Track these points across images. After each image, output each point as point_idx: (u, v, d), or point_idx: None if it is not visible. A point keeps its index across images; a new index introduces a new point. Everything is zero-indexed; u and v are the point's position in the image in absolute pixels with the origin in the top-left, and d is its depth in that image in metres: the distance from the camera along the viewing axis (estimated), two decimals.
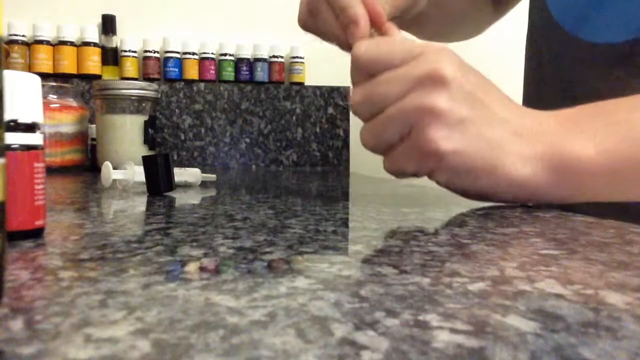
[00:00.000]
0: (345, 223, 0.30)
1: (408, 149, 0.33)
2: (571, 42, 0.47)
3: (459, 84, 0.32)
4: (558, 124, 0.33)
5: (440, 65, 0.32)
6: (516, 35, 0.64)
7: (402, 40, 0.35)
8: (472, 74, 0.33)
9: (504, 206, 0.38)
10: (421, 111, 0.31)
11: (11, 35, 1.01)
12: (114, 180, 0.49)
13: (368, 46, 0.34)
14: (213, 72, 1.11)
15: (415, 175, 0.35)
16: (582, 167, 0.31)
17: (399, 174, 0.35)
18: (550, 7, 0.50)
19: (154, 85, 0.84)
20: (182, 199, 0.43)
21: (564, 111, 0.34)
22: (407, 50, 0.33)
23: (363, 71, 0.34)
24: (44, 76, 1.00)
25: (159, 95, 0.91)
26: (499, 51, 1.13)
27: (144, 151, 0.82)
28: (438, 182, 0.35)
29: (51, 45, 1.03)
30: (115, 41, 1.07)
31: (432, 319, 0.13)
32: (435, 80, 0.31)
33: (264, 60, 1.13)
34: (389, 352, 0.11)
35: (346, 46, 0.38)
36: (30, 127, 0.24)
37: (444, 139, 0.31)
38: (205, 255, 0.21)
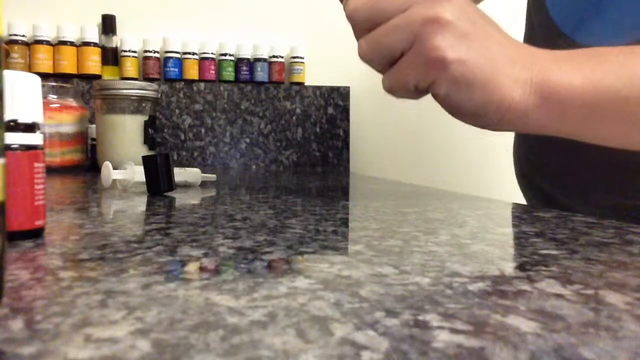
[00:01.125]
0: (345, 223, 0.30)
1: (411, 59, 0.33)
2: (568, 46, 0.47)
3: (462, 4, 0.33)
4: (550, 57, 0.34)
5: (445, 12, 0.32)
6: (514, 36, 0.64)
7: None
8: (472, 2, 0.34)
9: (504, 206, 0.38)
10: (427, 21, 0.32)
11: (11, 35, 1.01)
12: (114, 180, 0.49)
13: None
14: (213, 72, 1.11)
15: (415, 89, 0.35)
16: (567, 94, 0.33)
17: (399, 89, 0.35)
18: (549, 7, 0.50)
19: (154, 85, 0.84)
20: (182, 199, 0.43)
21: (559, 50, 0.35)
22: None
23: None
24: (44, 76, 1.00)
25: (159, 95, 0.91)
26: None
27: (144, 151, 0.82)
28: (435, 95, 0.35)
29: (51, 45, 1.03)
30: (115, 41, 1.07)
31: (432, 319, 0.13)
32: (439, 25, 0.32)
33: (264, 60, 1.13)
34: (389, 352, 0.11)
35: None
36: (30, 127, 0.24)
37: (450, 48, 0.32)
38: (205, 255, 0.21)
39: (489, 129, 0.36)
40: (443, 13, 0.32)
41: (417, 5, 0.32)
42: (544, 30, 0.51)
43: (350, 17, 0.35)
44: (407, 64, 0.33)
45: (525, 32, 0.57)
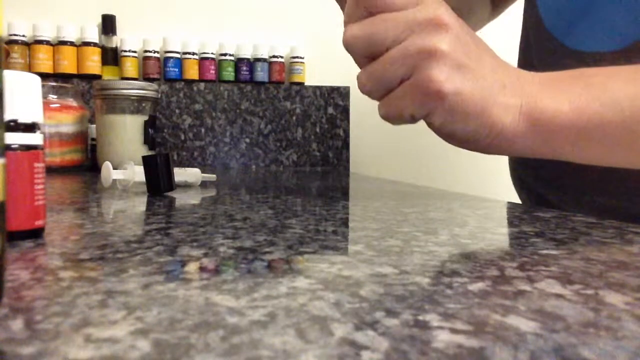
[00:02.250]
0: (345, 223, 0.30)
1: (409, 90, 0.33)
2: (559, 50, 0.47)
3: (457, 32, 0.33)
4: (539, 82, 0.35)
5: (441, 12, 0.33)
6: (510, 41, 0.64)
7: None
8: (465, 27, 0.35)
9: (504, 206, 0.38)
10: (424, 53, 0.32)
11: (11, 35, 1.01)
12: (114, 180, 0.49)
13: None
14: (213, 72, 1.11)
15: (412, 118, 0.35)
16: (555, 121, 0.33)
17: (396, 117, 0.35)
18: (541, 12, 0.50)
19: (154, 85, 0.84)
20: (182, 199, 0.43)
21: (547, 73, 0.36)
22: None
23: (361, 7, 0.35)
24: (44, 76, 1.00)
25: (159, 95, 0.91)
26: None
27: (144, 151, 0.82)
28: (431, 124, 0.36)
29: (51, 45, 1.03)
30: (115, 41, 1.07)
31: (432, 319, 0.13)
32: (437, 25, 0.32)
33: (264, 60, 1.13)
34: (389, 352, 0.11)
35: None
36: (30, 127, 0.24)
37: (447, 80, 0.32)
38: (205, 255, 0.21)
39: (477, 152, 0.37)
40: (439, 44, 0.32)
41: (414, 36, 0.33)
42: (538, 36, 0.51)
43: (348, 47, 0.35)
44: (404, 95, 0.34)
45: (520, 39, 0.57)
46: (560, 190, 0.51)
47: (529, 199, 0.57)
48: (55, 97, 0.84)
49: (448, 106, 0.33)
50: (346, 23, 0.35)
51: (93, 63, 1.04)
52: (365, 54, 0.34)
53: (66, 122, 0.84)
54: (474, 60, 0.33)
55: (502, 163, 0.67)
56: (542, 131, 0.34)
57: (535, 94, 0.34)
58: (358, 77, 0.35)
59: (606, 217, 0.33)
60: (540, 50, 0.51)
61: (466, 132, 0.35)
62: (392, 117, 0.35)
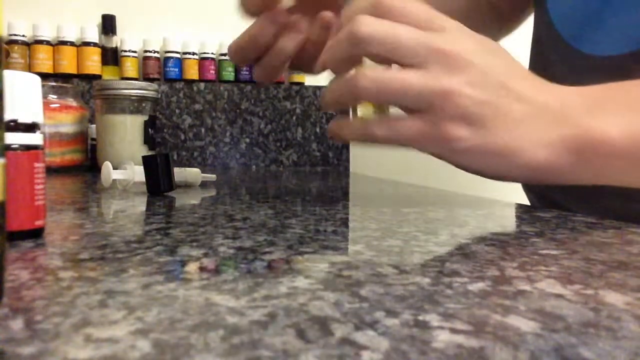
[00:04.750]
0: (345, 223, 0.30)
1: (423, 129, 0.32)
2: (571, 54, 0.47)
3: (481, 67, 0.31)
4: (581, 103, 0.32)
5: (466, 46, 0.31)
6: (521, 46, 0.64)
7: (421, 4, 0.34)
8: (491, 53, 0.32)
9: (504, 206, 0.38)
10: (444, 94, 0.30)
11: (11, 35, 1.01)
12: (114, 180, 0.49)
13: None
14: (213, 72, 1.11)
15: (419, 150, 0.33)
16: (605, 149, 0.31)
17: (390, 142, 0.33)
18: (552, 17, 0.49)
19: (154, 85, 0.84)
20: (182, 199, 0.43)
21: (586, 89, 0.33)
22: (429, 16, 0.32)
23: (381, 7, 0.32)
24: (44, 76, 1.00)
25: (159, 95, 0.91)
26: None
27: (144, 151, 0.82)
28: (447, 161, 0.34)
29: (51, 45, 1.03)
30: (115, 41, 1.07)
31: (432, 319, 0.13)
32: (460, 62, 0.31)
33: None
34: (389, 352, 0.11)
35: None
36: (30, 127, 0.24)
37: (467, 139, 0.31)
38: (205, 255, 0.21)
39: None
40: (461, 86, 0.30)
41: (436, 69, 0.31)
42: (550, 41, 0.51)
43: (361, 40, 0.32)
44: (418, 130, 0.32)
45: (532, 44, 0.57)
46: (570, 192, 0.50)
47: (539, 202, 0.57)
48: (55, 97, 0.84)
49: (465, 149, 0.31)
50: (353, 13, 0.33)
51: (93, 63, 1.04)
52: (372, 53, 0.32)
53: (66, 122, 0.84)
54: (501, 95, 0.31)
55: None
56: (593, 161, 0.31)
57: (579, 120, 0.31)
58: (361, 75, 0.32)
59: (615, 218, 0.33)
60: (553, 55, 0.50)
61: (496, 170, 0.33)
62: (386, 140, 0.33)
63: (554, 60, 0.50)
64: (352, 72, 0.34)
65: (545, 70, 0.51)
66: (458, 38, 0.32)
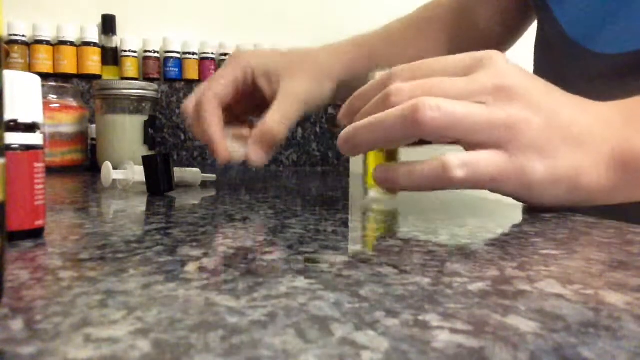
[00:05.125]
0: (345, 223, 0.30)
1: (501, 165, 0.31)
2: (582, 54, 0.47)
3: (533, 95, 0.31)
4: (623, 121, 0.32)
5: (509, 76, 0.31)
6: (524, 48, 0.64)
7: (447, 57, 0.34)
8: (530, 78, 0.33)
9: (505, 206, 0.38)
10: (513, 125, 0.30)
11: (11, 35, 1.01)
12: (114, 180, 0.49)
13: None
14: (213, 72, 1.11)
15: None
16: None
17: (476, 187, 0.32)
18: (561, 21, 0.49)
19: (154, 85, 0.84)
20: (182, 199, 0.43)
21: (618, 104, 0.33)
22: (462, 60, 0.32)
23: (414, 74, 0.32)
24: (44, 76, 1.00)
25: (159, 95, 0.91)
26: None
27: (144, 151, 0.82)
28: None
29: (51, 45, 1.03)
30: (115, 41, 1.07)
31: (432, 319, 0.13)
32: (513, 93, 0.30)
33: None
34: (389, 352, 0.11)
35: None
36: (30, 127, 0.24)
37: (538, 170, 0.31)
38: (205, 255, 0.21)
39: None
40: (526, 115, 0.30)
41: (495, 100, 0.30)
42: (558, 43, 0.51)
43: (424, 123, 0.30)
44: (497, 167, 0.31)
45: (535, 47, 0.57)
46: None
47: None
48: (55, 97, 0.84)
49: (541, 187, 0.31)
50: (392, 78, 0.33)
51: (93, 63, 1.04)
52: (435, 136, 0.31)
53: (66, 122, 0.84)
54: (555, 120, 0.31)
55: None
56: (636, 174, 0.31)
57: (622, 138, 0.31)
58: (426, 106, 0.29)
59: (619, 212, 0.33)
60: (563, 59, 0.50)
61: (564, 200, 0.33)
62: (464, 183, 0.31)
63: (565, 63, 0.50)
64: (396, 105, 0.31)
65: (555, 73, 0.51)
66: (499, 74, 0.31)
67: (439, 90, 0.31)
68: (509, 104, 0.30)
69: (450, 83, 0.31)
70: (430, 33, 0.62)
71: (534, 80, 0.33)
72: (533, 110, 0.31)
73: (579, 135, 0.31)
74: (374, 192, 0.38)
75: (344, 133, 0.34)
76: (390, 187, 0.34)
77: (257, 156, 0.48)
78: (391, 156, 0.40)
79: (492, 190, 0.33)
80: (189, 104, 0.53)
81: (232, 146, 0.49)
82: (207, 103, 0.49)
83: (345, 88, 0.54)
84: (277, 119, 0.48)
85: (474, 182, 0.31)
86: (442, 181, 0.31)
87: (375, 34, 0.62)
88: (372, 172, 0.34)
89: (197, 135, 0.52)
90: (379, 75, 0.36)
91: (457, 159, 0.30)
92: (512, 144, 0.30)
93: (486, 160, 0.31)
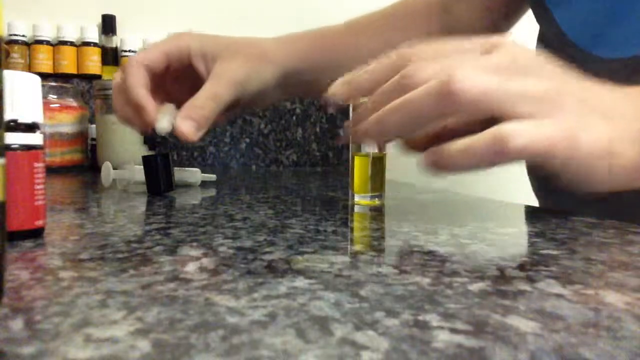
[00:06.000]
0: (345, 223, 0.30)
1: (553, 132, 0.29)
2: (586, 59, 0.47)
3: (554, 72, 0.31)
4: (630, 99, 0.32)
5: (531, 57, 0.31)
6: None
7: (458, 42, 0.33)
8: (549, 60, 0.32)
9: (505, 206, 0.38)
10: (555, 93, 0.29)
11: (11, 35, 1.01)
12: (114, 180, 0.49)
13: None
14: None
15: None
16: None
17: (533, 157, 0.30)
18: (562, 26, 0.49)
19: None
20: (182, 199, 0.43)
21: (629, 88, 0.33)
22: (476, 41, 0.32)
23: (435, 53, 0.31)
24: (44, 76, 1.00)
25: None
26: None
27: (144, 151, 0.82)
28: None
29: (51, 45, 1.03)
30: (115, 41, 1.07)
31: (432, 319, 0.13)
32: (535, 70, 0.30)
33: None
34: (389, 352, 0.11)
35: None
36: (30, 127, 0.24)
37: (583, 141, 0.29)
38: (205, 255, 0.21)
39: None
40: (560, 86, 0.30)
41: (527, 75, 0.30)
42: (561, 48, 0.50)
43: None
44: (551, 134, 0.29)
45: (537, 41, 0.57)
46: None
47: (539, 187, 0.56)
48: (55, 97, 0.84)
49: (583, 162, 0.29)
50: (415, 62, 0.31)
51: (93, 63, 1.04)
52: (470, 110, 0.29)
53: (66, 122, 0.84)
54: (584, 94, 0.31)
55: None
56: None
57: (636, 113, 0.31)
58: (465, 78, 0.28)
59: (619, 212, 0.33)
60: (564, 60, 0.50)
61: (600, 180, 0.30)
62: (521, 154, 0.28)
63: (565, 65, 0.50)
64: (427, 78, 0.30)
65: None
66: (519, 49, 0.31)
67: (463, 67, 0.29)
68: (538, 78, 0.30)
69: (474, 59, 0.30)
70: (399, 24, 0.61)
71: (551, 60, 0.32)
72: (562, 85, 0.30)
73: (608, 111, 0.31)
74: (360, 197, 0.38)
75: (372, 118, 0.32)
76: (444, 169, 0.32)
77: (185, 128, 0.47)
78: (378, 162, 0.39)
79: (543, 166, 0.30)
80: (116, 76, 0.50)
81: (162, 115, 0.47)
82: (131, 67, 0.47)
83: (298, 78, 0.53)
84: (207, 96, 0.47)
85: (531, 151, 0.28)
86: (501, 153, 0.28)
87: (339, 26, 0.61)
88: (424, 156, 0.31)
89: (119, 109, 0.50)
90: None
91: (509, 128, 0.28)
92: (553, 113, 0.29)
93: (537, 127, 0.29)
